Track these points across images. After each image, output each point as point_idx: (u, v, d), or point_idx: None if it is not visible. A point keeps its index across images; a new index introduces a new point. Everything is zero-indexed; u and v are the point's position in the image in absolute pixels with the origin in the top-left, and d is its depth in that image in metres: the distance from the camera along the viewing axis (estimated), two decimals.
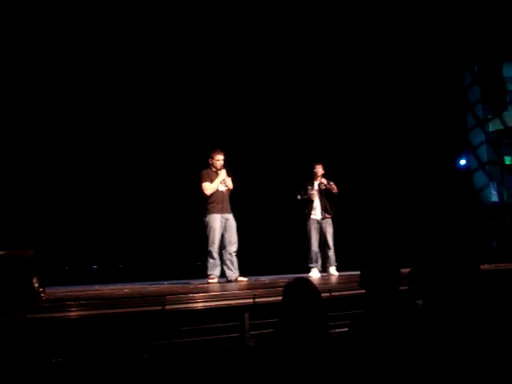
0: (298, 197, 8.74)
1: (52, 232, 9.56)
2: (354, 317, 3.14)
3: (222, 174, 7.73)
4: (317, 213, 8.70)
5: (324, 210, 8.67)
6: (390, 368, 2.62)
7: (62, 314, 4.60)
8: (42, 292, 5.27)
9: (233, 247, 7.66)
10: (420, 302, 3.29)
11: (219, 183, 7.70)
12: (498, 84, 13.12)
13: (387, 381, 2.61)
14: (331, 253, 8.67)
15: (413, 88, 11.98)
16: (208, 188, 7.64)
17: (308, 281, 3.10)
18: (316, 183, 8.74)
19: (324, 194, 8.67)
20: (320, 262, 8.69)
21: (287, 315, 2.96)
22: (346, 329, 3.09)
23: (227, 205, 7.75)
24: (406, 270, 3.27)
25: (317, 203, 8.70)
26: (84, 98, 9.90)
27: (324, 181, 8.68)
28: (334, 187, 8.65)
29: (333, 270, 8.59)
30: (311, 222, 8.69)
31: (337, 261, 8.67)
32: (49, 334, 4.37)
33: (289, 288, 3.05)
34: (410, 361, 2.61)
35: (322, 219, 8.69)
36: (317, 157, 9.17)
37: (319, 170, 8.74)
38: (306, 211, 8.72)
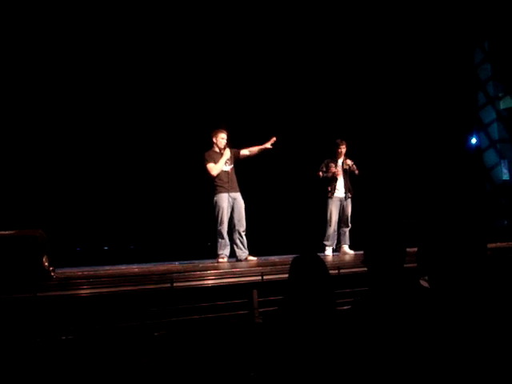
0: (320, 173, 8.66)
1: (63, 213, 9.58)
2: (356, 295, 3.13)
3: (226, 153, 7.68)
4: (340, 191, 8.67)
5: (347, 188, 8.65)
6: (392, 346, 2.62)
7: (72, 292, 4.63)
8: (52, 271, 5.30)
9: (241, 227, 7.65)
10: (424, 280, 3.28)
11: (224, 163, 7.67)
12: (509, 61, 12.99)
13: (389, 358, 2.60)
14: (347, 231, 8.66)
15: (424, 66, 11.87)
16: (213, 168, 7.60)
17: (316, 256, 3.08)
18: (340, 161, 8.68)
19: (348, 173, 8.63)
20: (335, 240, 8.68)
21: (294, 290, 2.96)
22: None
23: (234, 184, 7.72)
24: (415, 249, 3.26)
25: (341, 181, 8.65)
26: (90, 79, 9.86)
27: (349, 161, 8.63)
28: (355, 168, 8.63)
29: (347, 248, 8.59)
30: (334, 199, 8.65)
31: (350, 240, 8.66)
32: (59, 312, 4.40)
33: (296, 263, 3.04)
34: (412, 340, 2.60)
35: (345, 198, 8.66)
36: (330, 134, 9.10)
37: (344, 148, 8.68)
38: (329, 189, 8.66)
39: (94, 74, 9.79)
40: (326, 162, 8.72)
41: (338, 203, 8.67)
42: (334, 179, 8.62)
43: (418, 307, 2.72)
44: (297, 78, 11.06)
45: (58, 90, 9.60)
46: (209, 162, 7.63)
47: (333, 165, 8.64)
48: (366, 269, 2.97)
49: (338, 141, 8.75)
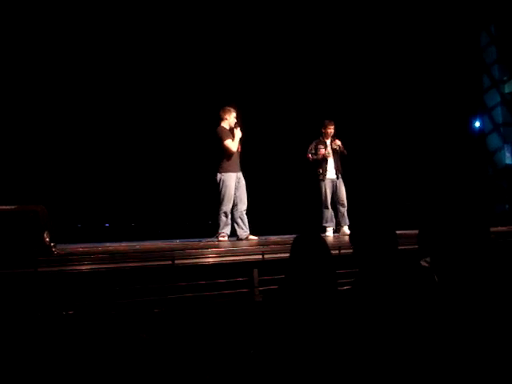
0: (309, 156, 8.65)
1: (65, 190, 9.59)
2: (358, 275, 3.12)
3: (239, 132, 7.64)
4: (331, 172, 8.64)
5: (337, 169, 8.62)
6: (391, 326, 2.61)
7: (73, 268, 4.64)
8: (53, 247, 5.31)
9: (244, 206, 7.66)
10: (424, 262, 3.28)
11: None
12: None
13: (389, 338, 2.60)
14: (345, 212, 8.65)
15: (429, 48, 11.78)
16: (233, 146, 7.56)
17: (318, 235, 3.08)
18: (328, 142, 8.65)
19: (338, 153, 8.60)
20: (334, 221, 8.68)
21: (295, 269, 2.95)
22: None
23: (239, 163, 7.72)
24: (416, 232, 3.26)
25: (331, 162, 8.62)
26: (92, 59, 9.81)
27: (338, 142, 8.59)
28: (343, 148, 8.60)
29: (346, 228, 8.59)
30: (326, 181, 8.63)
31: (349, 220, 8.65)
32: (59, 287, 4.41)
33: (297, 242, 3.03)
34: (412, 320, 2.60)
35: (337, 178, 8.64)
36: (325, 115, 9.05)
37: (332, 128, 8.64)
38: (320, 171, 8.63)
39: (88, 53, 9.73)
40: (314, 143, 8.68)
41: (331, 184, 8.65)
42: (325, 161, 8.59)
43: (417, 287, 2.72)
44: (286, 58, 10.96)
45: (58, 72, 9.56)
46: (226, 138, 7.58)
47: (322, 146, 8.60)
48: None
49: (326, 121, 8.69)
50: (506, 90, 12.74)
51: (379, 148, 11.58)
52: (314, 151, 8.62)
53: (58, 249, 5.45)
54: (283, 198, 10.81)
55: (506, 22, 12.82)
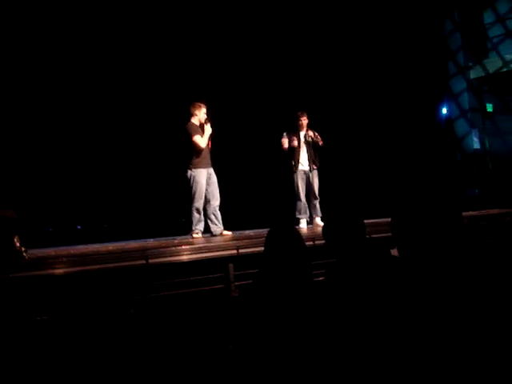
0: (284, 147, 8.60)
1: (34, 193, 9.45)
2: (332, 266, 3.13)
3: (208, 128, 7.60)
4: (304, 164, 8.64)
5: (311, 161, 8.62)
6: (364, 315, 2.62)
7: (45, 272, 4.58)
8: (25, 251, 5.22)
9: (216, 201, 7.63)
10: (395, 250, 3.29)
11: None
12: (478, 31, 13.04)
13: (362, 328, 2.61)
14: (317, 203, 8.67)
15: (393, 36, 11.85)
16: (201, 142, 7.50)
17: (291, 228, 3.07)
18: (302, 133, 8.63)
19: (312, 145, 8.60)
20: (308, 213, 8.69)
21: (269, 262, 2.94)
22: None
23: (210, 159, 7.69)
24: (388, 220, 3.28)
25: (304, 154, 8.61)
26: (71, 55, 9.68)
27: (311, 133, 8.57)
28: (319, 139, 8.59)
29: (318, 220, 8.60)
30: (298, 173, 8.62)
31: (321, 212, 8.68)
32: (32, 292, 4.34)
33: (271, 235, 3.03)
34: (382, 308, 2.60)
35: (310, 170, 8.64)
36: (298, 106, 9.04)
37: (304, 120, 8.63)
38: (293, 162, 8.63)
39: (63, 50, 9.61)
40: (284, 134, 8.65)
41: (304, 176, 8.65)
42: (297, 152, 8.57)
43: (386, 276, 2.73)
44: (257, 50, 10.94)
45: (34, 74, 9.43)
46: (195, 134, 7.52)
47: (294, 137, 8.60)
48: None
49: (299, 113, 8.68)
50: (472, 76, 12.89)
51: (349, 138, 11.62)
52: (286, 142, 8.58)
53: (30, 253, 5.36)
54: (257, 192, 10.80)
55: (469, 8, 12.96)
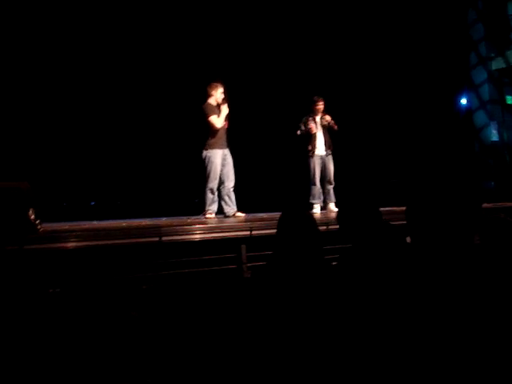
0: (298, 132, 8.62)
1: (50, 168, 9.49)
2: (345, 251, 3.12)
3: (225, 109, 7.57)
4: (321, 149, 8.61)
5: (327, 145, 8.59)
6: (377, 300, 2.61)
7: (59, 245, 4.59)
8: (39, 224, 5.24)
9: (231, 183, 7.61)
10: (410, 238, 3.27)
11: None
12: (502, 21, 12.87)
13: (374, 313, 2.60)
14: (332, 189, 8.64)
15: (416, 23, 11.72)
16: (217, 122, 7.48)
17: (304, 211, 3.06)
18: (318, 118, 8.60)
19: (327, 129, 8.56)
20: (322, 198, 8.67)
21: (282, 245, 2.94)
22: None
23: (226, 140, 7.67)
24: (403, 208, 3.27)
25: (320, 139, 8.58)
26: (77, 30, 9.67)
27: (328, 118, 8.55)
28: (334, 123, 8.55)
29: (332, 206, 8.57)
30: (315, 158, 8.59)
31: (335, 197, 8.66)
32: (46, 264, 4.36)
33: (284, 217, 3.01)
34: (396, 294, 2.59)
35: (326, 155, 8.61)
36: (315, 90, 8.99)
37: (321, 105, 8.58)
38: (310, 147, 8.60)
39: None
40: (303, 119, 8.63)
41: (320, 161, 8.62)
42: (314, 137, 8.54)
43: (402, 263, 2.72)
44: (277, 33, 10.86)
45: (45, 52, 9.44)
46: (212, 114, 7.50)
47: (311, 122, 8.56)
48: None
49: (315, 98, 8.63)
50: (493, 67, 12.75)
51: (368, 125, 11.55)
52: (303, 127, 8.57)
53: (44, 227, 5.38)
54: (272, 175, 10.77)
55: None
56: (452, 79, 12.47)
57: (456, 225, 2.75)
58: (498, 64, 12.75)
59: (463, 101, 12.98)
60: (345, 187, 8.65)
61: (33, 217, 5.13)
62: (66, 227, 6.03)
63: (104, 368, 3.46)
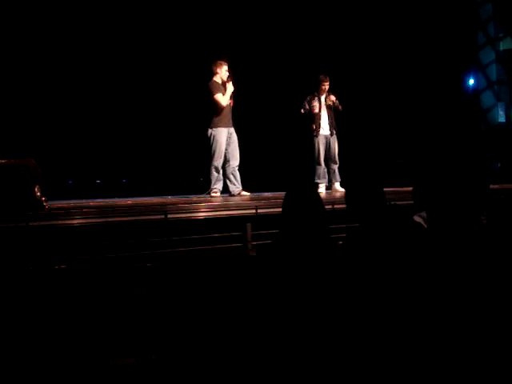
0: (302, 111, 8.58)
1: (55, 145, 9.49)
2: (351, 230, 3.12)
3: (230, 86, 7.54)
4: (325, 128, 8.58)
5: (332, 125, 8.56)
6: (385, 280, 2.61)
7: (65, 222, 4.61)
8: (45, 201, 5.26)
9: (236, 161, 7.62)
10: (417, 217, 3.27)
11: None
12: (510, 1, 12.72)
13: (382, 293, 2.60)
14: (337, 169, 8.63)
15: (423, 4, 11.61)
16: (223, 100, 7.46)
17: (310, 189, 3.05)
18: (322, 97, 8.56)
19: (332, 109, 8.53)
20: (327, 178, 8.67)
21: (288, 223, 2.93)
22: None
23: (231, 119, 7.65)
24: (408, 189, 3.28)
25: (325, 119, 8.55)
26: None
27: (333, 98, 8.51)
28: (338, 104, 8.52)
29: (338, 185, 8.58)
30: (319, 137, 8.58)
31: (341, 177, 8.66)
32: (51, 241, 4.38)
33: (289, 196, 3.01)
34: (405, 274, 2.59)
35: (330, 135, 8.59)
36: (321, 69, 8.95)
37: (327, 85, 8.53)
38: (314, 127, 8.58)
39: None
40: (308, 98, 8.59)
41: (324, 140, 8.61)
42: (318, 116, 8.52)
43: (409, 242, 2.71)
44: (283, 9, 10.76)
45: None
46: (216, 92, 7.48)
47: (314, 101, 8.52)
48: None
49: (321, 77, 8.58)
50: (502, 48, 12.63)
51: (373, 105, 11.48)
52: (307, 106, 8.53)
53: (50, 204, 5.40)
54: (277, 154, 10.74)
55: None
56: (459, 59, 12.36)
57: (463, 205, 2.74)
58: (506, 44, 12.61)
59: (470, 81, 12.88)
60: (352, 167, 8.64)
61: (38, 194, 5.15)
62: (72, 204, 6.05)
63: (110, 344, 3.48)
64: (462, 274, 2.49)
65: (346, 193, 3.04)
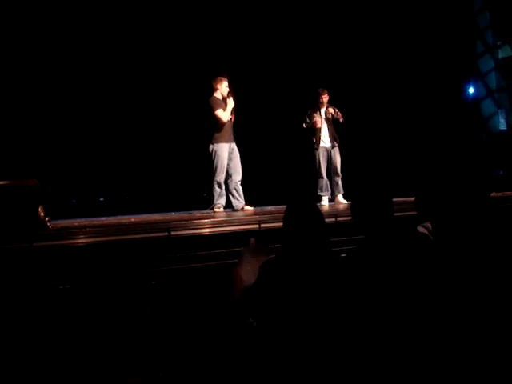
0: (304, 125, 8.64)
1: (58, 165, 9.52)
2: (355, 242, 3.12)
3: (231, 102, 7.59)
4: (326, 141, 8.62)
5: (332, 138, 8.60)
6: (390, 292, 2.60)
7: (69, 242, 4.62)
8: (48, 221, 5.27)
9: (238, 176, 7.64)
10: (421, 227, 3.27)
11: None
12: (508, 9, 12.76)
13: (387, 304, 2.60)
14: (339, 181, 8.65)
15: (421, 13, 11.66)
16: (223, 116, 7.50)
17: (309, 203, 3.06)
18: (323, 110, 8.60)
19: (332, 121, 8.57)
20: (330, 190, 8.69)
21: (288, 237, 2.94)
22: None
23: (232, 134, 7.69)
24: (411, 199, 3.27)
25: (325, 131, 8.60)
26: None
27: (331, 110, 8.55)
28: (340, 116, 8.55)
29: (341, 197, 8.60)
30: (320, 150, 8.62)
31: (344, 189, 8.67)
32: (56, 261, 4.38)
33: (289, 210, 3.02)
34: (411, 285, 2.59)
35: (332, 147, 8.62)
36: (321, 82, 8.99)
37: (325, 97, 8.58)
38: (314, 140, 8.62)
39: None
40: (308, 112, 8.65)
41: (325, 153, 8.65)
42: (318, 129, 8.58)
43: (415, 252, 2.71)
44: (282, 26, 10.81)
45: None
46: (217, 108, 7.52)
47: (315, 115, 8.56)
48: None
49: (320, 90, 8.64)
50: (500, 55, 12.65)
51: (374, 116, 11.50)
52: (308, 120, 8.58)
53: (53, 224, 5.41)
54: (279, 168, 10.76)
55: None
56: (459, 68, 12.39)
57: (466, 214, 2.75)
58: (504, 52, 12.64)
59: (470, 89, 12.90)
60: (356, 178, 8.64)
61: (42, 214, 5.17)
62: (76, 224, 6.06)
63: (116, 362, 3.48)
64: (473, 284, 2.49)
65: (352, 204, 3.03)
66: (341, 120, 8.57)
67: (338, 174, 8.65)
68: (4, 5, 8.76)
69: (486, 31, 12.80)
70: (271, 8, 10.65)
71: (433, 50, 11.84)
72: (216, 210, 7.50)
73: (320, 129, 8.56)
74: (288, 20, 10.83)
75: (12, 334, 3.67)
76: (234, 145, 7.66)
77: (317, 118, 8.53)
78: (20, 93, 9.16)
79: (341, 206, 8.00)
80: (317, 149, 8.62)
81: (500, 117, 12.51)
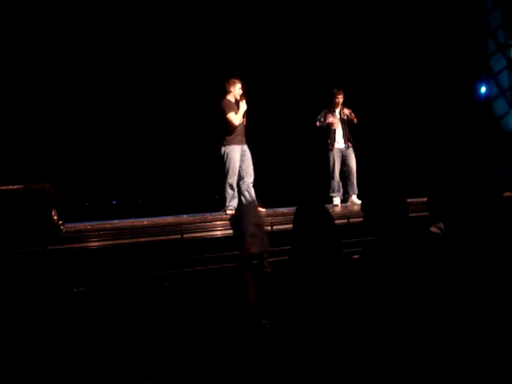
0: (317, 123, 8.59)
1: (71, 168, 9.56)
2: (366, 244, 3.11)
3: (244, 105, 7.59)
4: (340, 142, 8.60)
5: (347, 139, 8.58)
6: (402, 293, 2.60)
7: (82, 245, 4.65)
8: (62, 225, 5.31)
9: (250, 178, 7.65)
10: (434, 228, 3.26)
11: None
12: None
13: (399, 305, 2.59)
14: (354, 181, 8.63)
15: (432, 12, 11.62)
16: (235, 119, 7.51)
17: (318, 205, 3.05)
18: (337, 111, 8.59)
19: (346, 122, 8.55)
20: (342, 191, 8.67)
21: (298, 240, 2.94)
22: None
23: (244, 136, 7.69)
24: (424, 199, 3.25)
25: (339, 132, 8.57)
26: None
27: (347, 111, 8.53)
28: (354, 116, 8.53)
29: (355, 197, 8.58)
30: (334, 151, 8.59)
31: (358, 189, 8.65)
32: (69, 264, 4.41)
33: (298, 212, 3.01)
34: (423, 286, 2.58)
35: (346, 148, 8.60)
36: (334, 83, 8.98)
37: (340, 98, 8.56)
38: (329, 141, 8.60)
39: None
40: (323, 112, 8.62)
41: (339, 154, 8.63)
42: (333, 130, 8.55)
43: (428, 253, 2.71)
44: (295, 26, 10.80)
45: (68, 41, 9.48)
46: (229, 111, 7.53)
47: (330, 115, 8.55)
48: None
49: (335, 90, 8.62)
50: None
51: (387, 115, 11.47)
52: (322, 119, 8.55)
53: (67, 227, 5.45)
54: (292, 170, 10.74)
55: None
56: (470, 67, 12.34)
57: (479, 214, 2.74)
58: None
59: (482, 89, 12.83)
60: (369, 178, 8.60)
61: (56, 218, 5.20)
62: (89, 227, 6.09)
63: (130, 364, 3.50)
64: (487, 285, 2.49)
65: (363, 203, 3.02)
66: (355, 121, 8.55)
67: (353, 175, 8.62)
68: (8, 6, 8.79)
69: (497, 30, 12.73)
70: (285, 9, 10.64)
71: (444, 50, 11.79)
72: (228, 212, 7.50)
73: (335, 129, 8.55)
74: (301, 21, 10.82)
75: (28, 335, 3.70)
76: (245, 147, 7.68)
77: (333, 119, 8.51)
78: (33, 97, 9.21)
79: (354, 207, 7.99)
80: (331, 150, 8.60)
81: None
